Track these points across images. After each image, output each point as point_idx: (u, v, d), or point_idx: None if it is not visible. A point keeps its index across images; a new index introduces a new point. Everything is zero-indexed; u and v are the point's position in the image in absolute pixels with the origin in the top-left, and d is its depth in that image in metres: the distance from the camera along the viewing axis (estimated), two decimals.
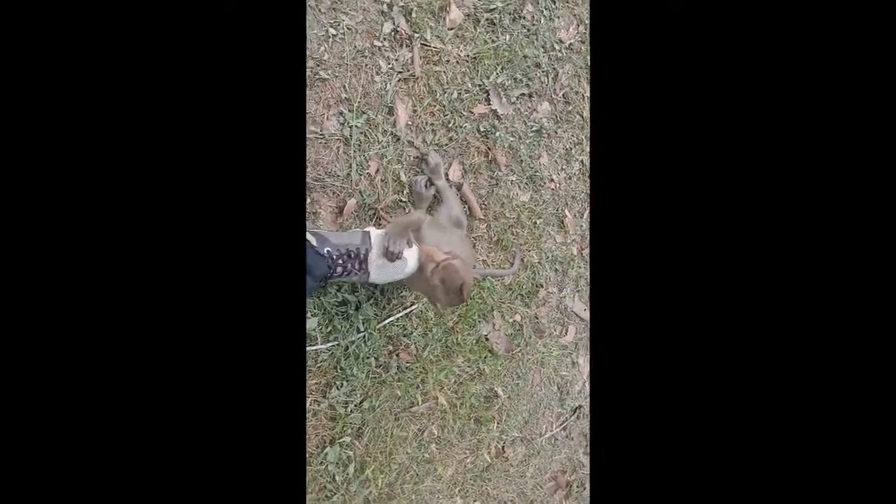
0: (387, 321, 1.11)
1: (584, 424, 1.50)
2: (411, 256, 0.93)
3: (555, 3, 1.25)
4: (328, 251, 0.88)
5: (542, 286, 1.35)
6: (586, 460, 1.50)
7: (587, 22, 1.29)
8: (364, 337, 1.07)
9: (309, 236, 0.89)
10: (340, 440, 1.07)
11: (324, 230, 0.95)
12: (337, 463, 1.08)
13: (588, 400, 1.49)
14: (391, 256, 0.90)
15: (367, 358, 1.09)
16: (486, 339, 1.28)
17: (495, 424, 1.32)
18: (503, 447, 1.36)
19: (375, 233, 0.93)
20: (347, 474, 1.09)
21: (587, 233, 1.39)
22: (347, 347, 1.06)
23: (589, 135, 1.35)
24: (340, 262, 0.89)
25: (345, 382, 1.07)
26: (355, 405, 1.09)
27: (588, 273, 1.41)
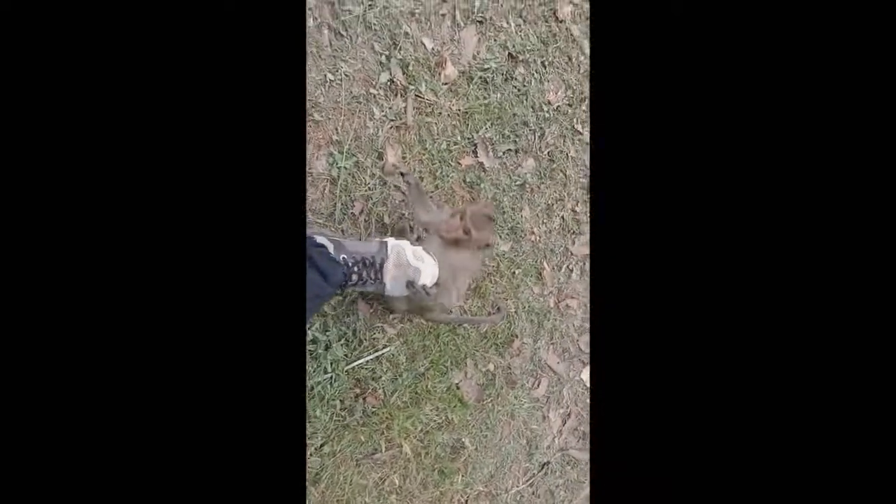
0: (356, 363, 1.09)
1: (552, 481, 1.46)
2: (427, 272, 0.92)
3: (545, 67, 1.33)
4: (343, 258, 0.87)
5: (517, 336, 1.35)
6: None
7: (574, 87, 1.36)
8: (331, 378, 1.05)
9: (326, 241, 0.88)
10: None
11: (341, 238, 0.94)
12: None
13: (557, 455, 1.46)
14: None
15: (333, 400, 1.06)
16: (458, 388, 1.26)
17: (460, 477, 1.28)
18: (466, 501, 1.31)
19: (393, 243, 0.93)
20: None
21: (564, 286, 1.41)
22: (312, 388, 1.04)
23: (587, 183, 1.39)
24: (356, 269, 0.88)
25: (306, 424, 1.04)
26: (315, 448, 1.05)
27: (563, 326, 1.42)
